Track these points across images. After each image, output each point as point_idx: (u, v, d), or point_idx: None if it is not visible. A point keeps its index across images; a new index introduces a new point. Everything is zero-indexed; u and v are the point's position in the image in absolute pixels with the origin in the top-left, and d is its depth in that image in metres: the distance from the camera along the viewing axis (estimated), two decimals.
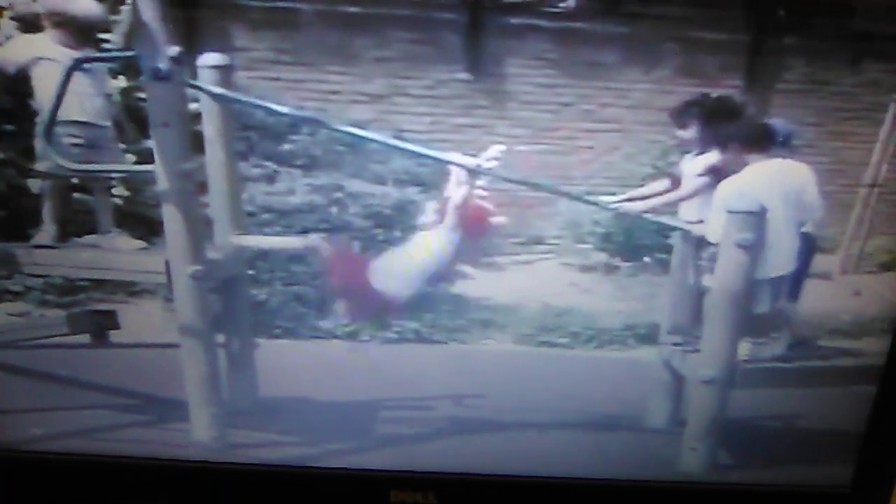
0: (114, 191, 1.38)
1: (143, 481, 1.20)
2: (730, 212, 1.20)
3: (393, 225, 1.40)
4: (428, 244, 1.28)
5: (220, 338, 1.32)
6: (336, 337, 1.42)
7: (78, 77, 1.19)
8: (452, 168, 1.23)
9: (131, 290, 1.42)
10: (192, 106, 1.23)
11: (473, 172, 1.22)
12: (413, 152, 1.25)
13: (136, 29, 1.07)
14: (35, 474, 1.21)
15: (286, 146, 1.39)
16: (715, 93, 1.23)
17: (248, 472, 1.20)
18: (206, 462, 1.21)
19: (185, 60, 1.12)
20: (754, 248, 1.19)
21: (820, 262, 1.36)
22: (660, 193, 1.30)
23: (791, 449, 1.26)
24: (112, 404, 1.37)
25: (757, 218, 1.19)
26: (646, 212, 1.29)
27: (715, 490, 1.22)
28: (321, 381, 1.35)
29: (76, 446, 1.25)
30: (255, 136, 1.38)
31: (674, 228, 1.30)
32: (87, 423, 1.32)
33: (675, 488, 1.21)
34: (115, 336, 1.44)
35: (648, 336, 1.41)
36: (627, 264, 1.46)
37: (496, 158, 1.21)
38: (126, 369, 1.41)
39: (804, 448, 1.26)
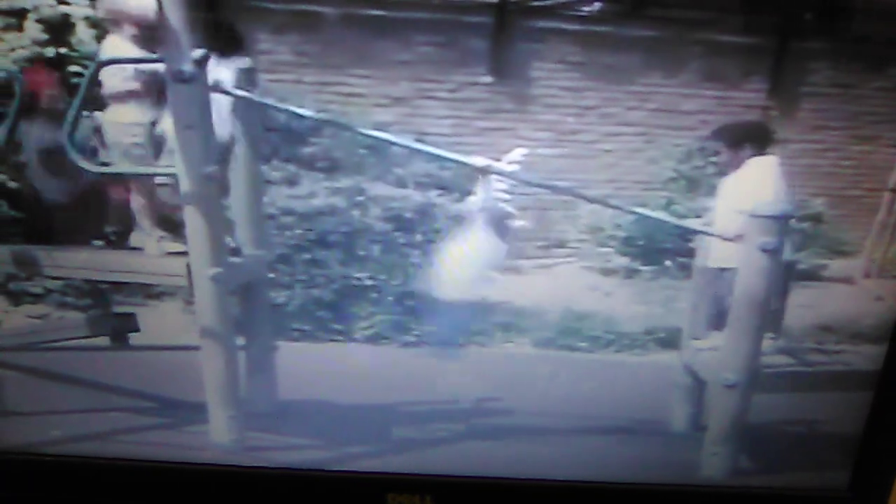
0: None
1: (135, 482, 1.20)
2: (753, 216, 1.19)
3: (414, 228, 1.39)
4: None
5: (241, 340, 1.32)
6: (354, 340, 1.42)
7: None
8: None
9: (151, 292, 1.42)
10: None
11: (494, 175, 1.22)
12: (435, 155, 1.25)
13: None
14: (53, 476, 1.21)
15: (308, 149, 1.39)
16: None
17: (245, 475, 1.20)
18: (202, 464, 1.21)
19: (209, 63, 1.12)
20: (778, 252, 1.19)
21: (842, 266, 1.36)
22: None
23: (791, 452, 1.26)
24: (131, 407, 1.37)
25: (781, 222, 1.18)
26: None
27: (713, 492, 1.22)
28: (337, 384, 1.35)
29: (94, 448, 1.26)
30: (276, 138, 1.38)
31: (696, 232, 1.30)
32: (105, 425, 1.32)
33: (670, 490, 1.20)
34: (134, 338, 1.44)
35: (669, 340, 1.41)
36: (649, 268, 1.46)
37: (518, 162, 1.21)
38: (145, 372, 1.41)
39: (804, 451, 1.26)
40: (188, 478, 1.20)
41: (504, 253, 1.27)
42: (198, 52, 1.09)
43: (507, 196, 1.23)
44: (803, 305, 1.31)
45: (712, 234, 1.27)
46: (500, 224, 1.25)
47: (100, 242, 1.33)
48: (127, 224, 1.32)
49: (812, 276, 1.37)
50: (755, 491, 1.22)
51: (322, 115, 1.25)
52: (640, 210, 1.25)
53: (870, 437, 1.14)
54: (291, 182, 1.40)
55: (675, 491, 1.20)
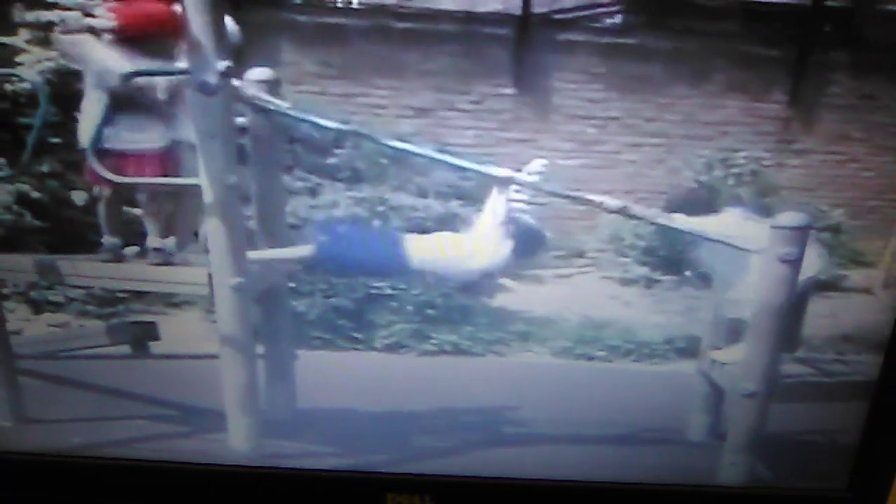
0: None
1: (135, 482, 1.20)
2: (773, 227, 1.19)
3: None
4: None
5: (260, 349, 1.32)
6: (374, 348, 1.43)
7: None
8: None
9: (171, 301, 1.42)
10: (238, 119, 1.23)
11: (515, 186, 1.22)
12: (457, 166, 1.25)
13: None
14: (72, 479, 1.21)
15: (330, 159, 1.39)
16: None
17: (245, 475, 1.20)
18: (202, 464, 1.21)
19: (234, 75, 1.12)
20: (797, 263, 1.19)
21: (862, 276, 1.36)
22: None
23: (791, 452, 1.26)
24: (151, 414, 1.38)
25: (801, 233, 1.19)
26: None
27: (713, 492, 1.21)
28: (356, 391, 1.35)
29: (113, 455, 1.26)
30: (299, 149, 1.38)
31: (716, 242, 1.30)
32: (125, 433, 1.32)
33: (670, 490, 1.20)
34: (155, 347, 1.45)
35: (688, 350, 1.41)
36: (668, 278, 1.46)
37: (539, 172, 1.21)
38: (165, 380, 1.41)
39: (805, 451, 1.26)
40: (190, 477, 1.20)
41: (505, 266, 1.27)
42: (223, 64, 1.09)
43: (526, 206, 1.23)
44: (822, 315, 1.32)
45: (734, 245, 1.26)
46: (518, 237, 1.25)
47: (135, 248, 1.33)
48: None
49: (831, 286, 1.37)
50: (756, 491, 1.22)
51: (346, 126, 1.24)
52: (661, 220, 1.24)
53: (869, 437, 1.14)
54: (313, 192, 1.40)
55: (676, 491, 1.20)
